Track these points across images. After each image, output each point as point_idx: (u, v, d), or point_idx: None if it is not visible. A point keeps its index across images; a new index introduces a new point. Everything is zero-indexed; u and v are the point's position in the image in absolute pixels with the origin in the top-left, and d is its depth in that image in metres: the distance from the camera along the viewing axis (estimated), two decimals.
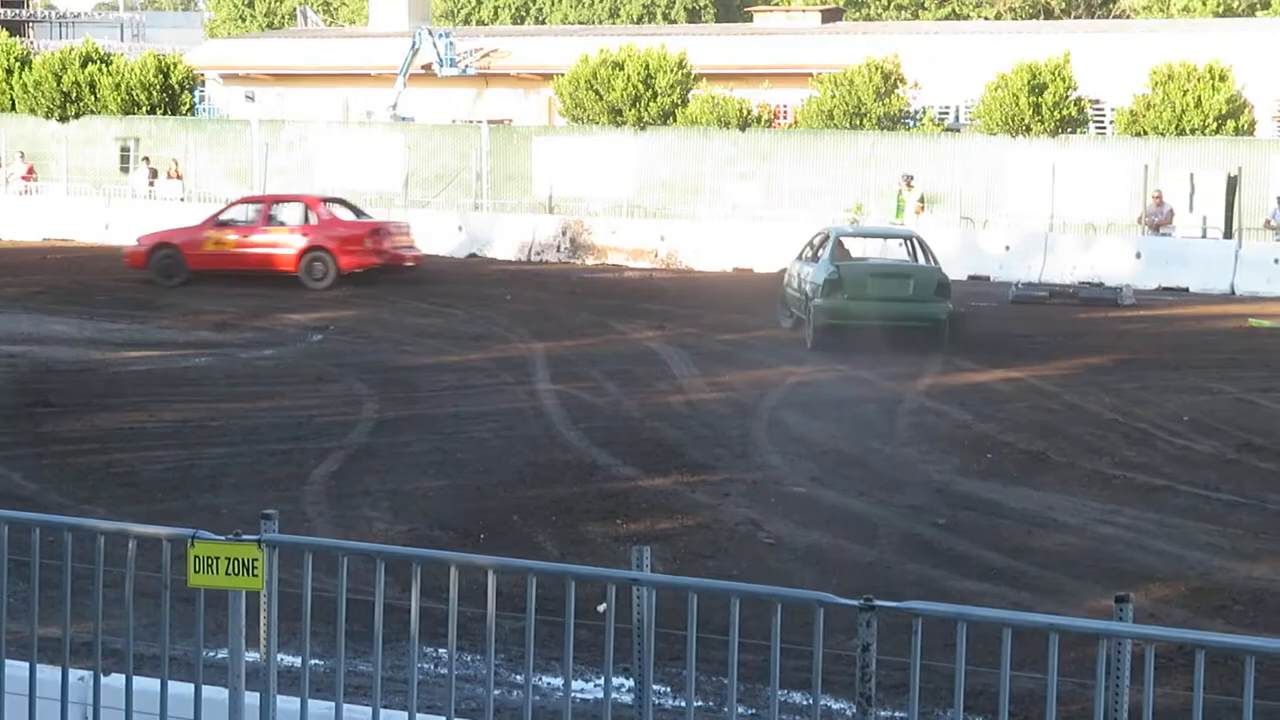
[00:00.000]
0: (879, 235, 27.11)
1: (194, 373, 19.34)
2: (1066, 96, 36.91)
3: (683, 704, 6.66)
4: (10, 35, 50.81)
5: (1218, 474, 14.09)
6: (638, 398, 17.56)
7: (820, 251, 22.81)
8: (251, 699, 5.67)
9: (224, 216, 29.51)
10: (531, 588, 5.31)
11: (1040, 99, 36.68)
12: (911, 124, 40.72)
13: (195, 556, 5.47)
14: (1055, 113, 36.71)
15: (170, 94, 45.56)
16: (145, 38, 79.94)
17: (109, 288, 27.81)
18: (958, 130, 41.26)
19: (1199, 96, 36.13)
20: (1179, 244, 32.95)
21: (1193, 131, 35.93)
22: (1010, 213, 36.03)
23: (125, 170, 43.50)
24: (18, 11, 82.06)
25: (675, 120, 40.68)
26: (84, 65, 45.38)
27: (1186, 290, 30.93)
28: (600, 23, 72.10)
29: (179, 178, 41.11)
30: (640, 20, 73.07)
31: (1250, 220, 33.72)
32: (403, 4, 58.21)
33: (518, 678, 8.29)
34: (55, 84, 45.11)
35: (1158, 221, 33.36)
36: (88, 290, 27.51)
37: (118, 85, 44.84)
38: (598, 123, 41.09)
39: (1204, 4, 65.11)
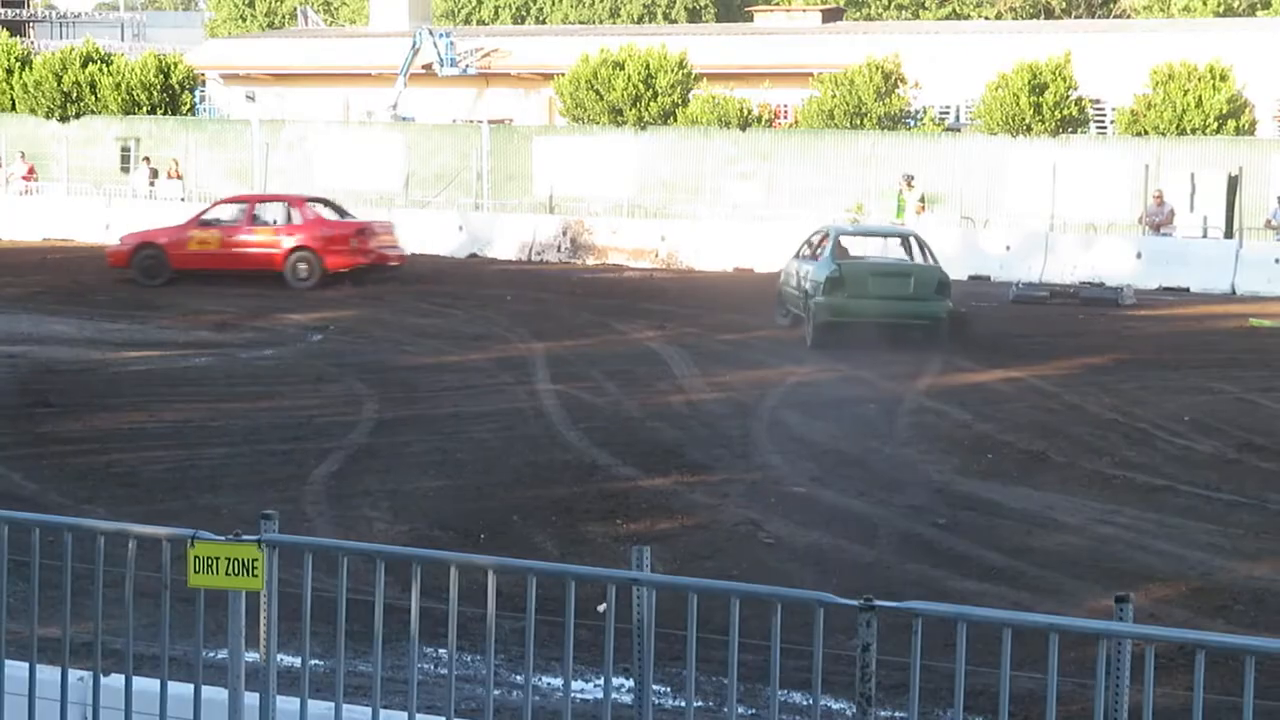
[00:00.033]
0: (878, 234, 27.14)
1: (194, 373, 19.34)
2: (1067, 96, 36.90)
3: (683, 704, 6.66)
4: (11, 35, 50.81)
5: (1218, 474, 14.08)
6: (638, 398, 17.56)
7: (819, 250, 22.84)
8: (251, 699, 5.66)
9: (208, 216, 29.49)
10: (531, 588, 5.31)
11: (1041, 99, 36.67)
12: (912, 124, 40.71)
13: (195, 557, 5.47)
14: (1056, 112, 36.70)
15: (171, 94, 45.55)
16: (146, 37, 79.96)
17: (109, 288, 27.81)
18: (958, 130, 41.26)
19: (1200, 96, 36.13)
20: (1180, 244, 32.94)
21: (1193, 131, 35.92)
22: (1011, 213, 36.02)
23: (126, 170, 43.51)
24: (18, 11, 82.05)
25: (676, 120, 40.68)
26: (84, 65, 45.37)
27: (1187, 290, 30.93)
28: (601, 22, 72.10)
29: (179, 178, 41.10)
30: (641, 20, 73.08)
31: (1251, 220, 33.72)
32: (403, 4, 58.20)
33: (518, 678, 8.29)
34: (56, 84, 45.10)
35: (1158, 221, 33.35)
36: (88, 290, 27.52)
37: (118, 85, 44.83)
38: (598, 122, 41.09)
39: (1204, 4, 65.10)
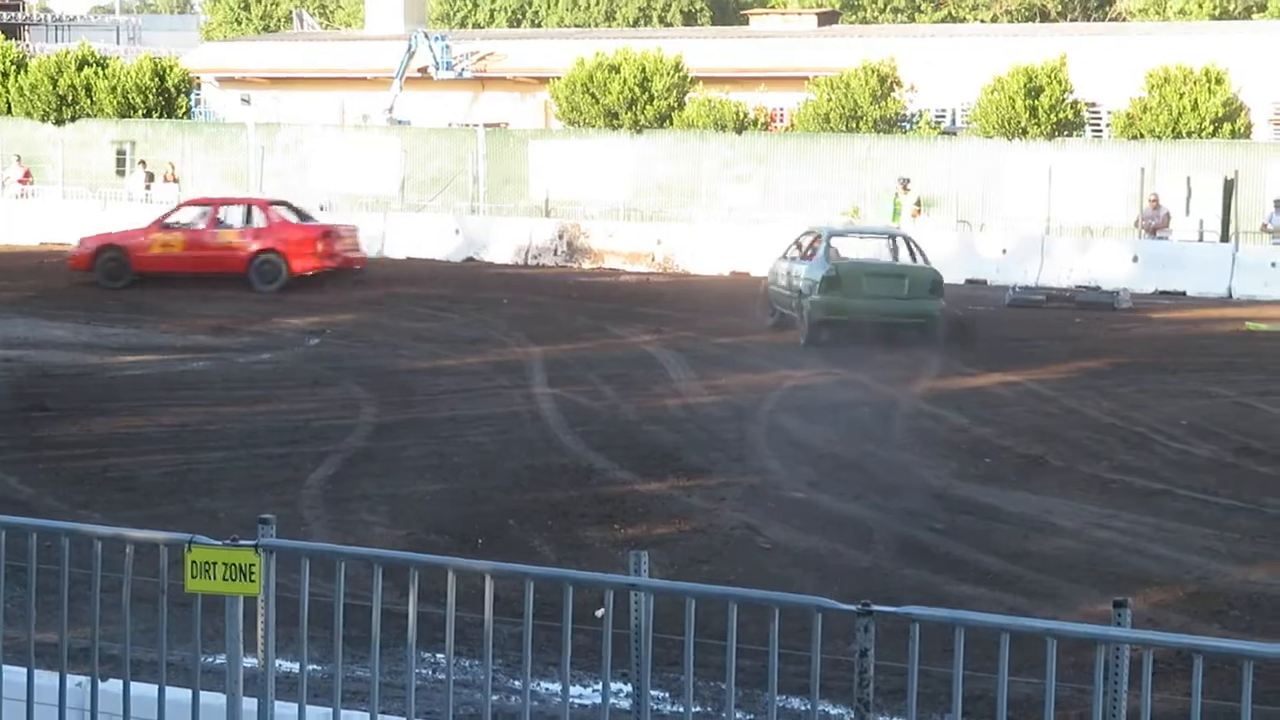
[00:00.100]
0: (869, 234, 27.22)
1: (191, 377, 19.33)
2: (1063, 99, 36.93)
3: (681, 709, 6.66)
4: (6, 38, 50.77)
5: (1215, 478, 14.09)
6: (634, 401, 17.56)
7: (811, 250, 22.93)
8: (249, 705, 5.66)
9: (171, 219, 29.39)
10: (529, 593, 5.31)
11: (1036, 102, 36.70)
12: (908, 127, 40.74)
13: (192, 561, 5.46)
14: (1052, 116, 36.72)
15: (166, 97, 45.54)
16: (141, 41, 80.00)
17: (106, 291, 27.77)
18: (954, 133, 41.28)
19: (1195, 99, 36.16)
20: (1176, 247, 32.96)
21: (1189, 134, 35.95)
22: (1007, 216, 36.05)
23: (121, 174, 43.48)
24: (13, 15, 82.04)
25: (671, 123, 40.69)
26: (80, 68, 45.35)
27: (1183, 294, 30.95)
28: (596, 26, 72.13)
29: (175, 181, 41.09)
30: (636, 23, 73.10)
31: (1247, 223, 33.75)
32: (399, 7, 58.24)
33: (516, 683, 8.29)
34: (51, 87, 45.08)
35: (1154, 225, 33.38)
36: (84, 294, 27.50)
37: (114, 88, 44.82)
38: (594, 126, 41.10)
39: (1200, 7, 65.18)
